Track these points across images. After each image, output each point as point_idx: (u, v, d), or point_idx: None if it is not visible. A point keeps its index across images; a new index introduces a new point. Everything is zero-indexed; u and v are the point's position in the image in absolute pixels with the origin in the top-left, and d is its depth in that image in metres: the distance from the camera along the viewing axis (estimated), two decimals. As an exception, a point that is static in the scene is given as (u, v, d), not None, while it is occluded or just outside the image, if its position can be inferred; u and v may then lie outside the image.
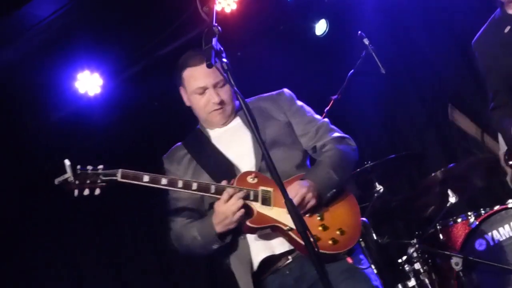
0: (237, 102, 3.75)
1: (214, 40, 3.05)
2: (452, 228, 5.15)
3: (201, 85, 3.64)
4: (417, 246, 5.03)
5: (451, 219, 5.21)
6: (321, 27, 6.69)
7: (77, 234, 7.42)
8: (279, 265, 3.54)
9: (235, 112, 3.77)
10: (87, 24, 5.91)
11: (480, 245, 4.93)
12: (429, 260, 5.11)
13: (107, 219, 7.45)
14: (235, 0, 6.20)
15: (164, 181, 3.44)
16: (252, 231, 3.47)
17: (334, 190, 3.58)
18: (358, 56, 5.34)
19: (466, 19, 6.07)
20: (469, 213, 5.12)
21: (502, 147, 5.30)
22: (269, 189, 3.51)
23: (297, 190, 3.43)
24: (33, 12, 5.57)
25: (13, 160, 6.71)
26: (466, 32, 6.21)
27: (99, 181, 3.38)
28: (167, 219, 3.75)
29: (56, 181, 3.37)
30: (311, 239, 3.06)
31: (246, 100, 3.64)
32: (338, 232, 3.49)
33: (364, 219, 3.75)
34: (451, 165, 5.27)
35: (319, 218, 3.51)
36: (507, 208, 4.95)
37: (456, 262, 4.87)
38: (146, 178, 3.42)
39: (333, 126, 3.81)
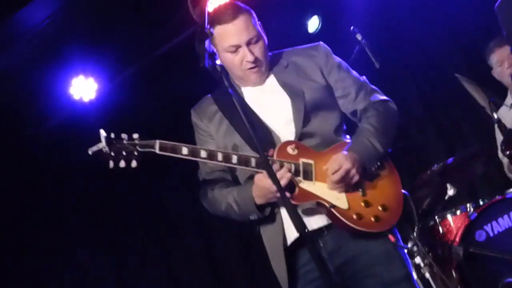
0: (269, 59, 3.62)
1: (207, 42, 3.04)
2: (451, 220, 5.13)
3: (234, 43, 3.44)
4: (417, 239, 5.02)
5: (450, 211, 5.20)
6: (313, 24, 6.69)
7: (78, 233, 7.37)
8: (313, 238, 3.31)
9: (269, 70, 3.59)
10: (80, 28, 5.88)
11: (480, 236, 4.94)
12: (430, 253, 5.10)
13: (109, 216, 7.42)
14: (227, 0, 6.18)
15: (203, 153, 3.26)
16: (296, 204, 3.29)
17: (379, 163, 3.44)
18: (351, 51, 5.32)
19: (461, 9, 6.05)
20: (468, 205, 5.13)
21: (498, 137, 5.31)
22: (310, 161, 3.36)
23: (341, 163, 3.29)
24: (26, 18, 5.52)
25: (9, 167, 6.66)
26: (461, 22, 6.25)
27: (136, 152, 3.21)
28: (199, 182, 3.60)
29: (90, 150, 3.20)
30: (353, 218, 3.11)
31: (280, 51, 3.68)
32: (380, 208, 3.36)
33: (404, 191, 3.50)
34: (450, 159, 5.26)
35: (361, 193, 3.37)
36: (505, 199, 4.94)
37: (457, 254, 4.87)
38: (185, 150, 3.24)
39: (373, 87, 3.64)
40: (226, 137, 3.46)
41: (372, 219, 3.31)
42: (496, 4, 4.14)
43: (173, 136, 3.30)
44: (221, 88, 3.44)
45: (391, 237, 3.35)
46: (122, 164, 3.20)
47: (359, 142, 3.42)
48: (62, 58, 6.09)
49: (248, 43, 3.44)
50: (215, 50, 3.33)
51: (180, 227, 7.44)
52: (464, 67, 6.29)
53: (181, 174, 7.00)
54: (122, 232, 7.46)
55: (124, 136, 3.22)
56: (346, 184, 3.31)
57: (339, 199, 3.31)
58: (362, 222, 3.27)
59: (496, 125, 5.15)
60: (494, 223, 4.95)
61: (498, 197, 5.03)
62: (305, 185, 3.31)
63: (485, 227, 4.96)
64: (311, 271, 3.33)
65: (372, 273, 3.31)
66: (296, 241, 3.35)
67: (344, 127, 3.60)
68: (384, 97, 3.59)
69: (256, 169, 3.27)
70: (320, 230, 3.36)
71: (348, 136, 3.57)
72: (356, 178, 3.31)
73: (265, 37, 3.54)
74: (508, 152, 4.82)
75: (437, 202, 5.28)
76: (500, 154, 5.19)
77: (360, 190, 3.37)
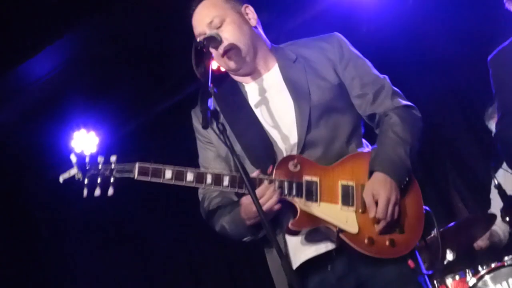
0: (267, 42, 3.22)
1: (209, 101, 2.81)
2: (450, 285, 5.02)
3: (197, 32, 3.12)
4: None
5: (449, 276, 5.08)
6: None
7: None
8: (321, 261, 2.99)
9: (266, 56, 3.18)
10: (82, 82, 5.93)
11: (478, 303, 4.81)
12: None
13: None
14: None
15: (190, 176, 2.89)
16: (294, 233, 2.95)
17: (407, 178, 3.00)
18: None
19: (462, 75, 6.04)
20: (467, 270, 5.00)
21: (497, 202, 5.24)
22: (314, 179, 2.95)
23: (378, 195, 2.89)
24: (29, 71, 5.55)
25: (12, 219, 6.60)
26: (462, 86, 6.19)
27: (112, 179, 2.88)
28: (199, 189, 3.24)
29: (61, 177, 2.90)
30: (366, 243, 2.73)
31: (290, 42, 3.25)
32: (397, 230, 2.94)
33: (426, 207, 3.07)
34: (450, 224, 5.13)
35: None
36: (504, 266, 4.83)
37: (455, 321, 4.76)
38: (168, 173, 2.89)
39: (395, 89, 3.18)
40: None
41: (387, 243, 2.92)
42: (489, 57, 4.09)
43: (174, 191, 3.07)
44: (224, 87, 3.20)
45: (410, 262, 2.95)
46: (97, 192, 2.87)
47: (387, 159, 2.98)
48: (64, 111, 6.13)
49: (214, 27, 3.08)
50: (218, 109, 3.04)
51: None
52: (464, 129, 6.25)
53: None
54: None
55: (100, 159, 2.90)
56: (390, 217, 2.90)
57: (348, 222, 2.92)
58: (375, 248, 2.90)
59: (495, 190, 5.09)
60: (492, 289, 4.82)
61: (497, 264, 4.91)
62: (308, 207, 2.92)
63: (483, 293, 4.83)
64: None
65: None
66: (304, 264, 2.99)
67: (362, 130, 3.19)
68: (407, 102, 3.15)
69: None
70: (329, 253, 2.97)
71: (365, 142, 3.18)
72: (397, 207, 2.91)
73: (240, 15, 3.15)
74: (508, 219, 4.75)
75: (434, 267, 5.16)
76: (498, 220, 5.11)
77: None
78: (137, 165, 2.90)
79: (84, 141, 6.46)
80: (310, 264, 3.00)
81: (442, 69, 6.03)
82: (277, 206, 2.88)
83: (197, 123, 3.22)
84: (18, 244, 6.84)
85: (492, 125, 5.36)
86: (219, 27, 3.09)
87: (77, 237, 6.99)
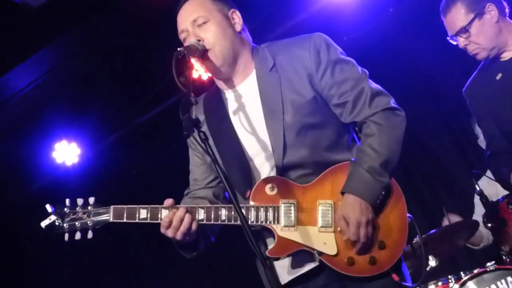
0: (251, 47, 3.12)
1: (191, 110, 2.76)
2: None
3: (179, 28, 3.05)
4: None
5: (432, 283, 5.02)
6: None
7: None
8: (303, 273, 2.95)
9: (246, 61, 3.08)
10: (63, 94, 5.90)
11: (461, 308, 4.75)
12: (411, 326, 4.92)
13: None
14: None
15: (164, 212, 2.89)
16: (276, 259, 2.91)
17: (383, 193, 2.91)
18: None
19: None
20: (450, 277, 4.95)
21: (479, 209, 5.21)
22: (292, 201, 2.90)
23: (348, 217, 2.82)
24: (10, 83, 5.50)
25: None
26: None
27: (89, 222, 2.93)
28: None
29: (42, 224, 2.94)
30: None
31: (270, 43, 3.15)
32: (377, 247, 2.86)
33: (409, 215, 2.96)
34: (432, 231, 5.08)
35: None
36: (487, 271, 4.78)
37: (439, 326, 4.71)
38: (143, 213, 2.89)
39: (375, 88, 3.02)
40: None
41: (368, 261, 2.85)
42: (464, 89, 4.13)
43: (156, 201, 3.03)
44: (208, 95, 3.16)
45: (394, 276, 2.88)
46: (78, 236, 2.94)
47: (359, 179, 2.89)
48: (45, 123, 6.09)
49: (197, 25, 3.01)
50: (204, 117, 3.10)
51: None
52: (446, 137, 6.22)
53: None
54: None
55: (79, 202, 2.95)
56: (361, 240, 2.82)
57: (327, 244, 2.87)
58: (356, 268, 2.84)
59: (478, 197, 5.07)
60: (475, 295, 4.76)
61: (479, 269, 4.86)
62: (286, 232, 2.87)
63: (467, 299, 4.77)
64: None
65: None
66: (292, 282, 2.95)
67: (350, 135, 3.07)
68: (388, 104, 3.00)
69: (226, 223, 2.88)
70: (312, 270, 2.93)
71: (354, 144, 3.06)
72: (370, 229, 2.83)
73: (225, 18, 3.07)
74: (490, 225, 4.71)
75: (418, 274, 5.11)
76: (480, 229, 5.09)
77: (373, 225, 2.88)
78: (112, 208, 2.94)
79: (65, 152, 6.43)
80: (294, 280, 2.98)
81: (424, 78, 6.06)
82: (194, 228, 2.88)
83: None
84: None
85: (481, 143, 5.37)
86: (202, 25, 3.02)
87: (61, 251, 6.85)
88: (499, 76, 3.95)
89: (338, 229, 2.88)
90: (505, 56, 3.95)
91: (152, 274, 7.16)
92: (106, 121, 6.43)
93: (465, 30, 3.87)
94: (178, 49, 2.89)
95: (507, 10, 3.95)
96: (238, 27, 3.10)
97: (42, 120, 6.03)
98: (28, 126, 6.07)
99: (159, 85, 6.00)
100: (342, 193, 2.91)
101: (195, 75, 3.02)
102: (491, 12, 3.86)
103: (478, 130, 5.27)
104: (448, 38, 3.98)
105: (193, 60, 2.97)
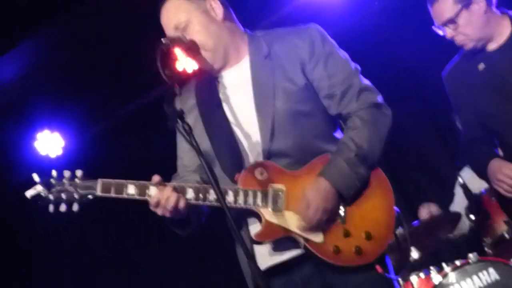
0: (240, 31, 3.16)
1: (175, 101, 2.88)
2: (415, 283, 4.99)
3: (168, 35, 3.07)
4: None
5: (414, 274, 5.04)
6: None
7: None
8: (287, 264, 2.95)
9: (238, 47, 3.11)
10: (46, 86, 5.85)
11: (443, 299, 4.77)
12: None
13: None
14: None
15: (152, 190, 2.89)
16: (260, 243, 2.91)
17: (359, 185, 2.91)
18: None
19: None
20: (432, 268, 4.97)
21: (460, 201, 5.23)
22: (280, 186, 2.90)
23: (311, 201, 2.84)
24: None
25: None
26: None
27: (76, 195, 2.92)
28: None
29: (28, 194, 2.92)
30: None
31: (268, 31, 3.18)
32: (364, 237, 2.87)
33: (396, 208, 2.97)
34: (414, 223, 5.15)
35: (340, 220, 2.88)
36: (469, 263, 4.81)
37: (421, 317, 4.73)
38: (131, 188, 2.91)
39: (365, 83, 3.05)
40: (198, 141, 2.84)
41: (353, 251, 2.86)
42: (443, 73, 4.10)
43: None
44: (201, 81, 3.16)
45: (378, 268, 2.89)
46: (63, 208, 2.92)
47: (337, 165, 2.89)
48: (27, 113, 6.05)
49: (180, 31, 3.04)
50: (184, 110, 3.03)
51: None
52: (429, 130, 6.24)
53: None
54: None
55: (66, 174, 2.94)
56: (318, 224, 2.85)
57: (314, 232, 2.89)
58: (341, 257, 2.85)
59: (460, 188, 5.09)
60: (456, 287, 4.77)
61: (461, 261, 4.89)
62: (274, 217, 2.88)
63: (448, 290, 4.79)
64: None
65: None
66: (271, 269, 2.95)
67: (337, 127, 3.09)
68: (375, 100, 3.03)
69: (215, 204, 2.87)
70: (295, 258, 2.94)
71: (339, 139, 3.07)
72: (330, 215, 2.86)
73: (205, 13, 3.08)
74: (473, 217, 4.74)
75: (401, 265, 5.13)
76: (463, 218, 5.11)
77: (339, 217, 2.90)
78: (99, 181, 2.93)
79: (48, 143, 6.36)
80: (276, 266, 2.97)
81: (408, 70, 6.06)
82: (182, 206, 2.87)
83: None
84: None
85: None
86: (185, 29, 3.04)
87: (49, 241, 6.81)
88: (481, 67, 3.91)
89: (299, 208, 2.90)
90: (491, 47, 3.92)
91: (151, 273, 7.10)
92: (90, 112, 6.39)
93: (452, 20, 3.83)
94: (162, 40, 2.93)
95: (494, 1, 3.91)
96: (220, 16, 3.11)
97: (24, 111, 6.01)
98: (10, 117, 6.04)
99: (145, 76, 5.97)
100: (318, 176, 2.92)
101: (179, 68, 3.02)
102: (479, 2, 3.82)
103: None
104: (434, 28, 3.95)
105: (178, 52, 2.98)
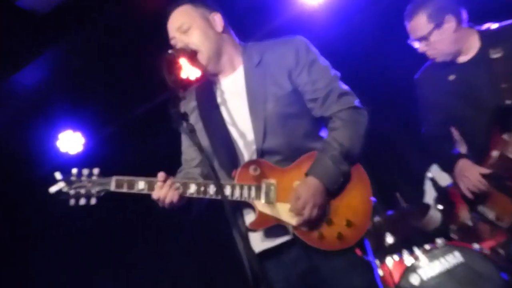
0: (235, 44, 3.18)
1: (180, 104, 2.85)
2: (390, 265, 5.00)
3: (169, 35, 3.12)
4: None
5: (389, 257, 5.05)
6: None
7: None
8: (277, 246, 2.99)
9: (232, 57, 3.13)
10: (68, 90, 5.86)
11: (415, 279, 4.77)
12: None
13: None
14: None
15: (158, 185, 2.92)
16: (254, 231, 2.95)
17: (342, 180, 2.94)
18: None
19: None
20: (404, 251, 4.98)
21: (430, 194, 5.22)
22: (272, 181, 2.93)
23: (304, 197, 2.85)
24: (21, 80, 5.49)
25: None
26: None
27: (93, 190, 2.96)
28: None
29: (51, 190, 2.96)
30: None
31: (260, 42, 3.20)
32: (345, 224, 2.90)
33: (373, 198, 3.02)
34: (389, 212, 5.15)
35: (325, 211, 2.92)
36: (437, 247, 4.82)
37: (395, 296, 4.76)
38: (141, 184, 2.95)
39: (344, 88, 3.07)
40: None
41: (335, 237, 2.89)
42: (416, 76, 4.08)
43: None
44: (201, 87, 3.21)
45: (358, 251, 2.94)
46: (82, 201, 2.96)
47: (322, 163, 2.92)
48: (51, 116, 6.07)
49: (182, 32, 3.08)
50: (195, 104, 3.16)
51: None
52: (403, 130, 6.20)
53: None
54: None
55: (85, 172, 2.99)
56: (310, 217, 2.87)
57: None
58: (324, 242, 2.88)
59: (429, 182, 5.08)
60: (426, 268, 4.78)
61: (430, 245, 4.90)
62: (266, 208, 2.91)
63: (418, 271, 4.78)
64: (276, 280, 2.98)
65: (334, 284, 2.91)
66: (264, 252, 2.99)
67: (321, 127, 3.11)
68: (353, 103, 3.06)
69: (214, 197, 2.90)
70: (285, 242, 2.98)
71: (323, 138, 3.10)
72: (321, 210, 2.88)
73: (206, 21, 3.12)
74: (440, 207, 4.73)
75: (377, 250, 5.13)
76: (431, 210, 5.10)
77: (323, 208, 2.94)
78: (113, 178, 2.98)
79: (70, 141, 6.36)
80: (268, 250, 3.01)
81: (385, 76, 6.03)
82: (175, 201, 2.92)
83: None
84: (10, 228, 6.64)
85: None
86: (187, 31, 3.08)
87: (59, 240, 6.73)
88: (452, 77, 3.93)
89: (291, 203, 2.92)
90: (461, 59, 3.93)
91: (149, 273, 7.02)
92: (107, 113, 6.37)
93: (425, 37, 3.85)
94: (168, 51, 2.98)
95: (464, 17, 3.92)
96: (219, 28, 3.16)
97: (48, 113, 6.03)
98: (35, 118, 6.04)
99: (153, 82, 5.96)
100: (306, 175, 2.95)
101: (183, 75, 3.03)
102: (450, 23, 3.86)
103: None
104: (409, 41, 3.94)
105: (183, 61, 3.03)
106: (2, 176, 6.27)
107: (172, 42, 3.11)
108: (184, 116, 2.75)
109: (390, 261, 4.94)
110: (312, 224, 2.90)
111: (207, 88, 3.19)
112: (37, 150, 6.26)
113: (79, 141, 6.40)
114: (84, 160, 6.37)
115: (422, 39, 3.86)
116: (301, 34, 3.17)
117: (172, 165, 3.31)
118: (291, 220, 2.90)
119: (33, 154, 6.29)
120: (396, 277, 4.83)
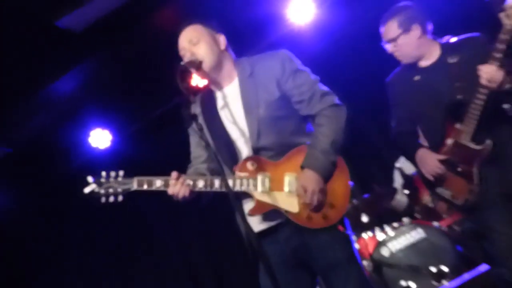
0: (233, 59, 3.23)
1: (191, 108, 3.01)
2: (364, 240, 5.12)
3: (179, 46, 3.17)
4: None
5: (364, 233, 5.19)
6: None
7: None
8: (272, 227, 3.05)
9: (230, 70, 3.18)
10: (98, 95, 5.88)
11: (385, 252, 4.91)
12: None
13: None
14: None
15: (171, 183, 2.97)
16: (253, 215, 3.02)
17: (333, 168, 3.02)
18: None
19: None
20: (377, 228, 5.11)
21: (397, 181, 5.35)
22: (267, 173, 2.99)
23: (308, 187, 2.92)
24: (58, 88, 5.53)
25: (41, 196, 6.50)
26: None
27: (119, 189, 2.99)
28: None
29: (85, 190, 3.00)
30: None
31: (250, 57, 3.22)
32: (328, 207, 2.97)
33: (351, 182, 3.07)
34: (365, 195, 5.24)
35: (325, 195, 2.99)
36: (403, 225, 4.96)
37: (369, 265, 4.83)
38: (159, 182, 2.97)
39: (324, 90, 3.14)
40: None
41: (321, 217, 2.96)
42: (387, 79, 4.10)
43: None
44: (205, 95, 3.25)
45: (340, 227, 3.03)
46: (111, 199, 3.02)
47: (315, 157, 2.99)
48: (83, 116, 6.08)
49: (192, 44, 3.13)
50: (200, 110, 3.21)
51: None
52: (376, 125, 6.17)
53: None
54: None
55: (112, 174, 3.05)
56: (318, 199, 2.95)
57: (292, 205, 2.98)
58: (312, 222, 2.95)
59: (397, 171, 5.19)
60: (395, 242, 4.91)
61: (398, 223, 5.04)
62: (262, 196, 2.97)
63: (388, 245, 4.94)
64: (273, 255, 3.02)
65: (321, 256, 2.98)
66: (261, 232, 3.06)
67: (307, 124, 3.16)
68: (333, 101, 3.13)
69: (219, 190, 2.96)
70: (279, 224, 3.05)
71: (309, 133, 3.14)
72: (320, 196, 2.96)
73: (213, 39, 3.18)
74: (406, 192, 4.82)
75: (355, 227, 5.26)
76: (399, 194, 5.23)
77: (324, 192, 3.01)
78: (135, 179, 3.02)
79: (100, 138, 6.37)
80: (265, 230, 3.09)
81: (363, 78, 5.99)
82: (187, 195, 2.98)
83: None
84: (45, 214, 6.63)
85: None
86: (196, 44, 3.14)
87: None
88: (417, 78, 3.94)
89: (298, 194, 3.02)
90: (423, 63, 3.95)
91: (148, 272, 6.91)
92: (132, 114, 6.40)
93: (393, 40, 3.91)
94: (181, 63, 3.08)
95: (429, 28, 3.96)
96: (222, 47, 3.25)
97: (82, 114, 6.08)
98: (70, 118, 6.09)
99: (169, 88, 6.03)
100: (302, 167, 3.04)
101: (193, 83, 3.16)
102: (416, 30, 3.88)
103: None
104: (382, 43, 4.02)
105: (193, 72, 3.14)
106: (44, 167, 6.36)
107: (181, 53, 3.16)
108: (194, 117, 2.86)
109: (365, 236, 5.08)
110: (317, 207, 2.98)
111: (209, 96, 3.26)
112: (72, 145, 6.34)
113: (107, 138, 6.42)
114: (111, 153, 6.42)
115: (391, 41, 3.90)
116: (290, 50, 3.28)
117: (182, 160, 3.38)
118: (283, 205, 2.98)
119: (69, 149, 6.36)
120: (370, 249, 4.98)
